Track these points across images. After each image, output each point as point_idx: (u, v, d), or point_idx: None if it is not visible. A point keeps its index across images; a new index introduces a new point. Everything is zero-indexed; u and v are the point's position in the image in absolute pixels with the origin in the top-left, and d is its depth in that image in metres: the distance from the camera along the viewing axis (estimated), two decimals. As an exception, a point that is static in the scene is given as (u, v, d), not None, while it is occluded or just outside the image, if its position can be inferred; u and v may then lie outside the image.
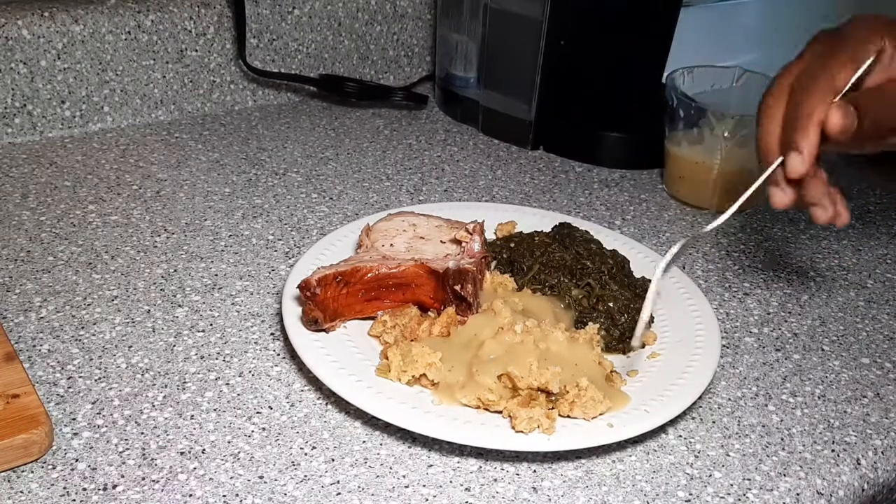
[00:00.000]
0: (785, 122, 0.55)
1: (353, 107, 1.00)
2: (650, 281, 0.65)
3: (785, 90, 0.56)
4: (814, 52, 0.56)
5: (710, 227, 0.59)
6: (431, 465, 0.51)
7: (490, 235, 0.70)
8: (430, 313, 0.59)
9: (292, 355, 0.58)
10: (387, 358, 0.54)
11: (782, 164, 0.55)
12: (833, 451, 0.54)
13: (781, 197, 0.57)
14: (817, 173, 0.56)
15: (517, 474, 0.50)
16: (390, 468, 0.50)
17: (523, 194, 0.83)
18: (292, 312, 0.58)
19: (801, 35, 0.59)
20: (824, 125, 0.53)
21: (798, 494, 0.51)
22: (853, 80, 0.53)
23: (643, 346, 0.60)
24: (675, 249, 0.59)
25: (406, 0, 1.03)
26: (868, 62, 0.54)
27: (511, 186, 0.85)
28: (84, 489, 0.47)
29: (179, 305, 0.63)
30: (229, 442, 0.51)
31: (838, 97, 0.53)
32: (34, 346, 0.58)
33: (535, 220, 0.72)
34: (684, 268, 0.73)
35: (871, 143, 0.57)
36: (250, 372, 0.57)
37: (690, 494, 0.50)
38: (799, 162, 0.53)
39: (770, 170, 0.56)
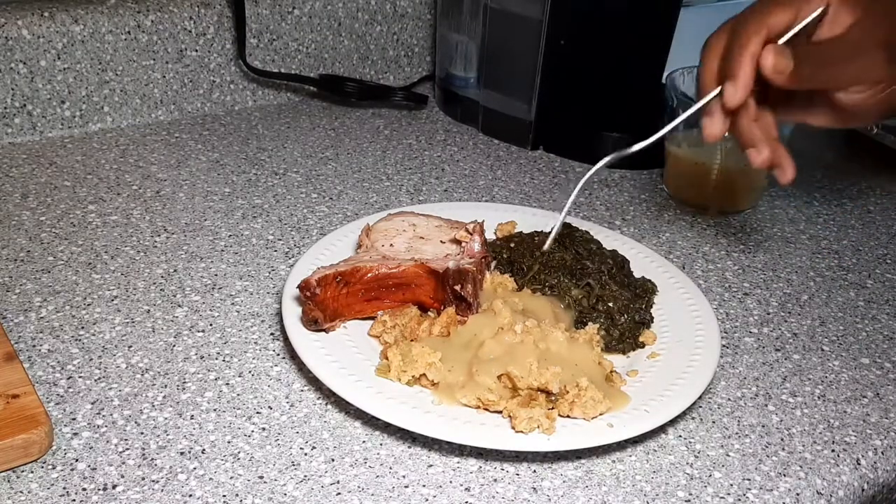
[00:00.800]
0: (722, 57, 0.57)
1: (353, 107, 1.00)
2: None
3: (727, 31, 0.58)
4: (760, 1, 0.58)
5: (634, 147, 0.59)
6: (431, 465, 0.51)
7: (490, 235, 0.69)
8: (430, 313, 0.59)
9: (292, 355, 0.58)
10: (387, 358, 0.54)
11: (719, 94, 0.57)
12: (833, 451, 0.54)
13: (712, 127, 0.58)
14: (760, 117, 0.58)
15: (517, 474, 0.50)
16: (390, 468, 0.50)
17: (523, 194, 0.83)
18: (292, 312, 0.58)
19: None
20: (759, 64, 0.55)
21: (798, 494, 0.51)
22: (797, 28, 0.55)
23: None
24: (598, 166, 0.59)
25: (406, 0, 1.03)
26: (814, 14, 0.55)
27: (511, 186, 0.85)
28: (84, 489, 0.47)
29: (179, 305, 0.63)
30: (229, 442, 0.51)
31: (780, 42, 0.55)
32: (34, 346, 0.58)
33: (535, 220, 0.72)
34: (684, 268, 0.73)
35: (824, 107, 0.59)
36: (250, 372, 0.57)
37: (690, 494, 0.50)
38: (732, 90, 0.55)
39: (706, 98, 0.58)
